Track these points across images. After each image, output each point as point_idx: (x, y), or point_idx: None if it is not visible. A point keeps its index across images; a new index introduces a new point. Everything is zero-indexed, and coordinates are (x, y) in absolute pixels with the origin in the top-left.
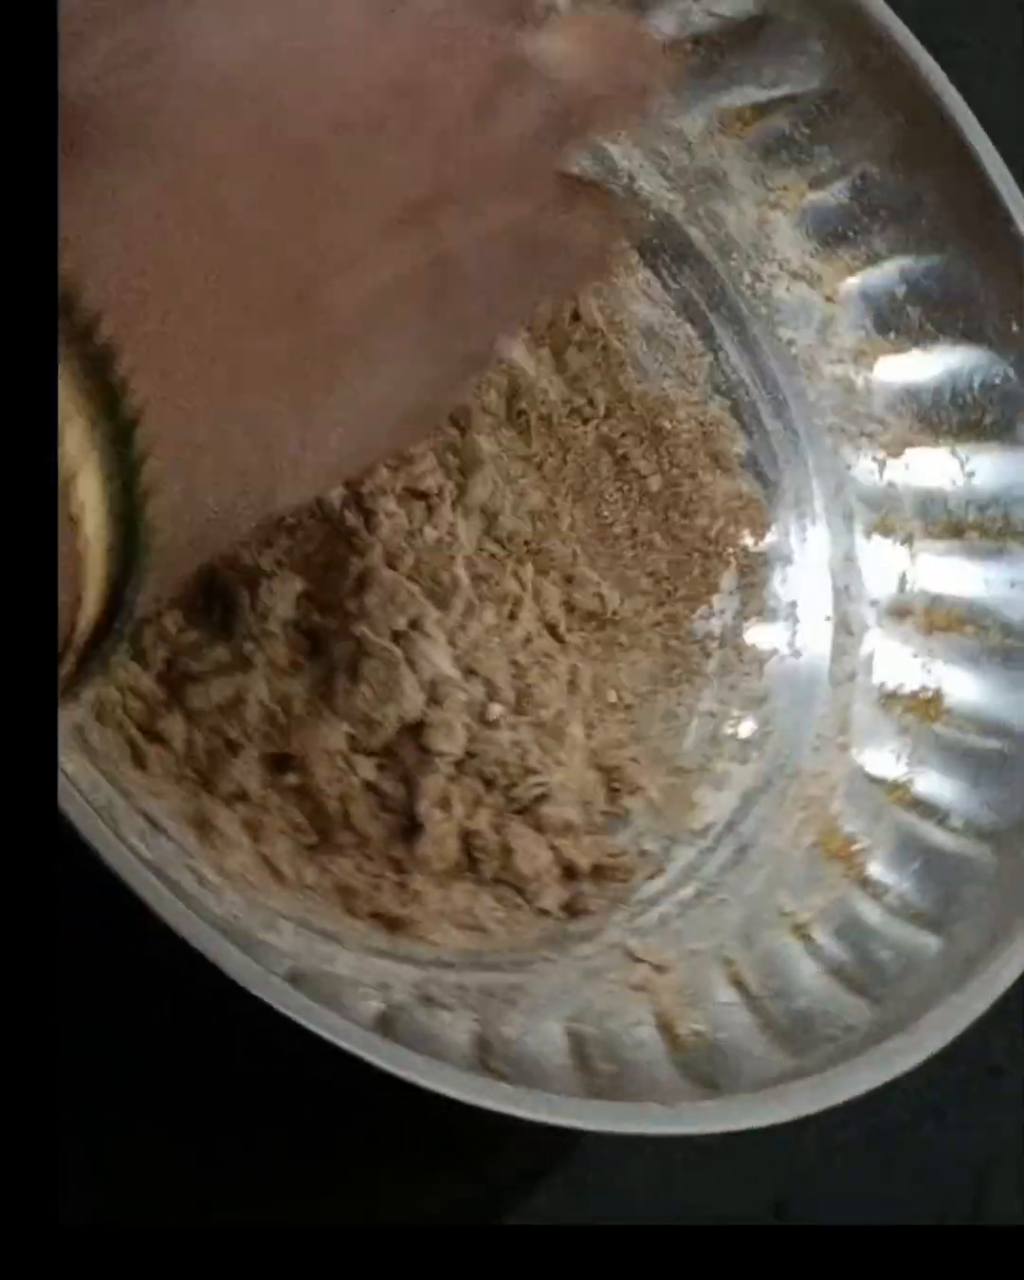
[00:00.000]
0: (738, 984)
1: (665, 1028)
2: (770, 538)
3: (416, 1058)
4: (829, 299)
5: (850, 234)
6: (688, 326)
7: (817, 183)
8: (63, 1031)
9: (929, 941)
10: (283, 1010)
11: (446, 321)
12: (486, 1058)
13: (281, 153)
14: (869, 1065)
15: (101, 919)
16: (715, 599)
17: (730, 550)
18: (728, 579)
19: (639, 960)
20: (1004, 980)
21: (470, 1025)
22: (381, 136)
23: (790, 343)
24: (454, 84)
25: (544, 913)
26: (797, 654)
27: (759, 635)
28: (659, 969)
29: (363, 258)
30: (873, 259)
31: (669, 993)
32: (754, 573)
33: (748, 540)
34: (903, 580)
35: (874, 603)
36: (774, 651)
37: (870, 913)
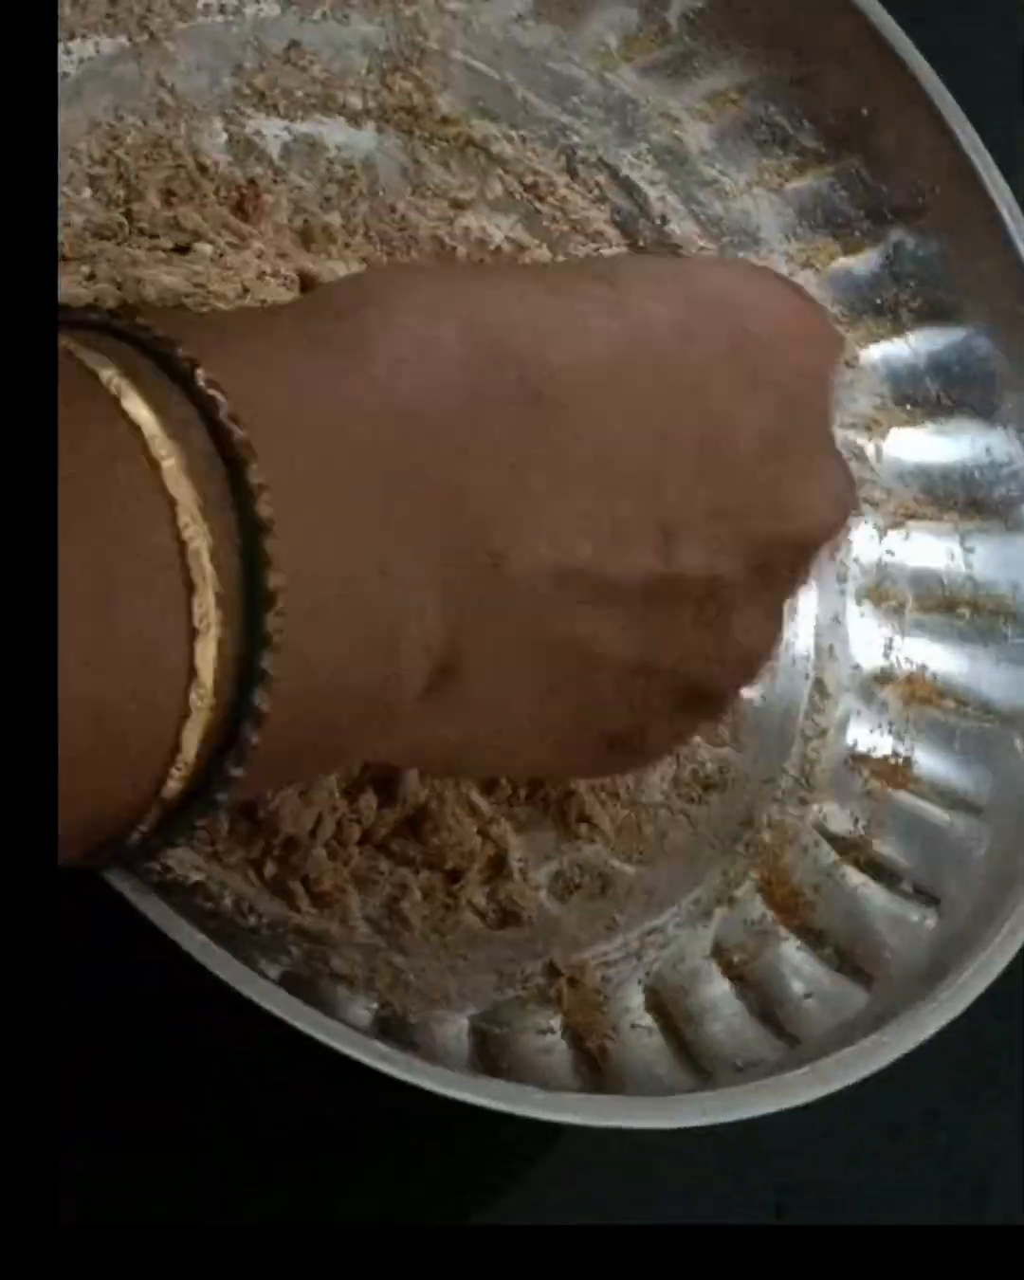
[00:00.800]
0: (656, 1010)
1: (574, 1040)
2: None
3: (316, 1013)
4: (849, 364)
5: (878, 301)
6: None
7: (849, 247)
8: (63, 1032)
9: (856, 993)
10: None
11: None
12: (385, 1033)
13: None
14: (772, 1090)
15: (104, 914)
16: None
17: None
18: None
19: (559, 973)
20: (921, 1034)
21: (372, 1004)
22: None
23: None
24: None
25: (473, 910)
26: (770, 706)
27: None
28: (574, 983)
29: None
30: (897, 329)
31: (583, 1009)
32: None
33: None
34: (889, 648)
35: (856, 667)
36: (748, 701)
37: (803, 963)
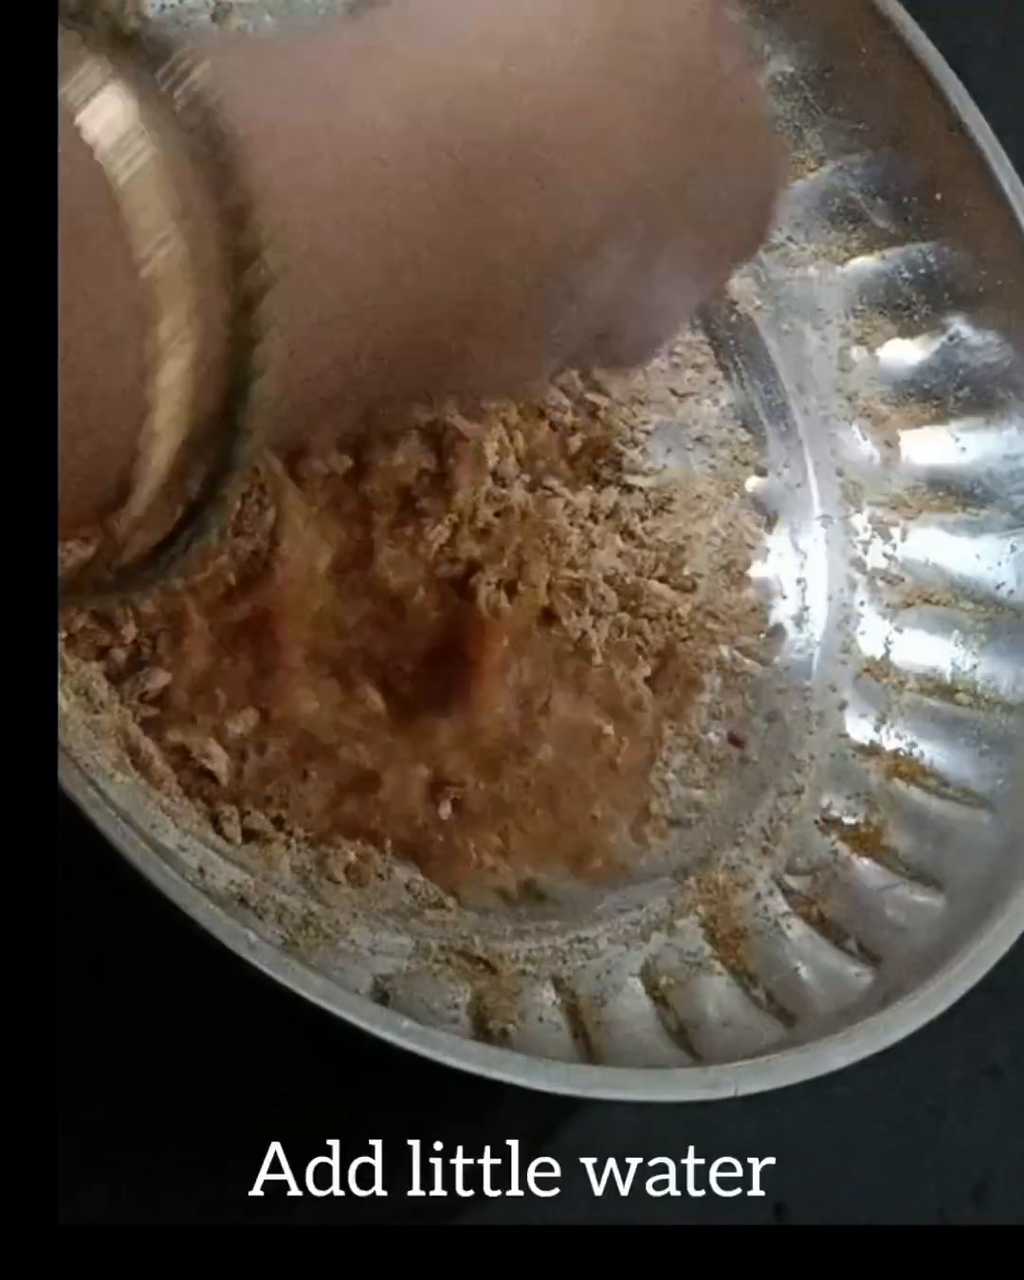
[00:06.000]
0: (569, 1011)
1: (477, 1017)
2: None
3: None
4: (889, 444)
5: (927, 386)
6: (742, 432)
7: (907, 331)
8: (63, 1033)
9: (774, 1027)
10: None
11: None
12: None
13: None
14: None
15: (104, 915)
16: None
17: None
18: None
19: (479, 958)
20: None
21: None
22: None
23: (838, 472)
24: None
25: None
26: (751, 760)
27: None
28: (492, 970)
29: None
30: (941, 417)
31: (495, 994)
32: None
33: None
34: (880, 724)
35: (843, 736)
36: (731, 750)
37: (728, 997)
